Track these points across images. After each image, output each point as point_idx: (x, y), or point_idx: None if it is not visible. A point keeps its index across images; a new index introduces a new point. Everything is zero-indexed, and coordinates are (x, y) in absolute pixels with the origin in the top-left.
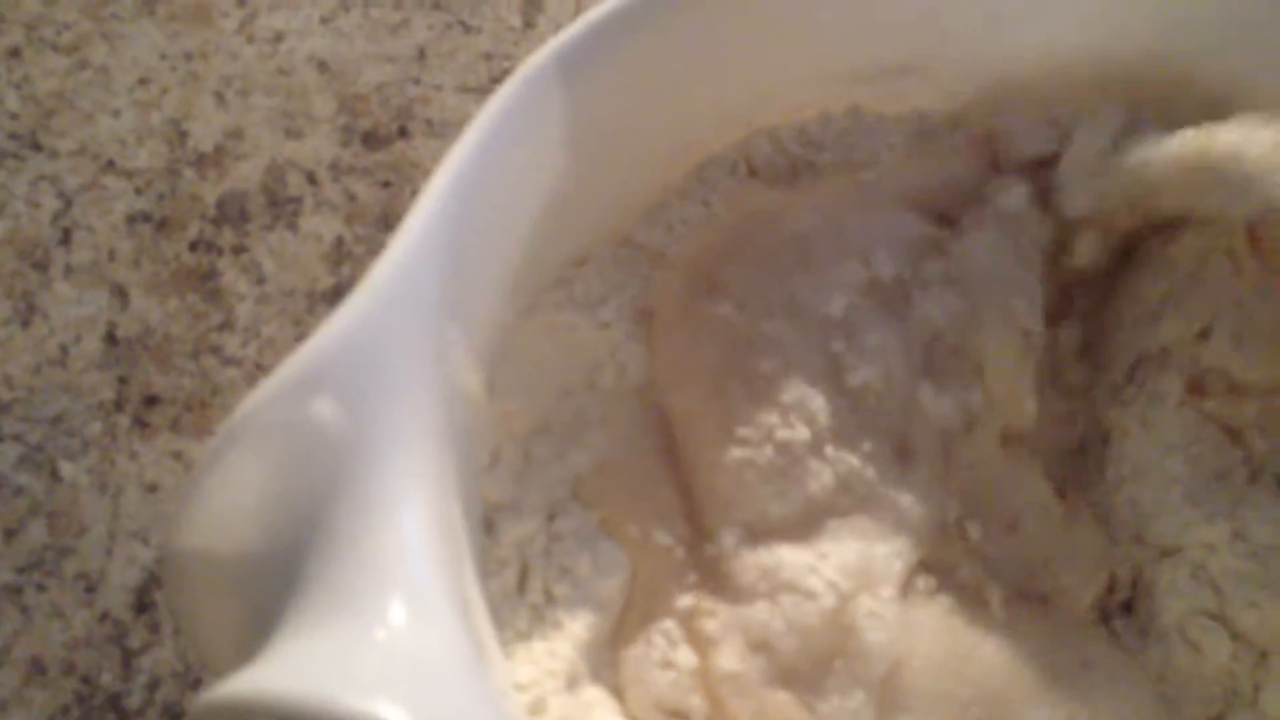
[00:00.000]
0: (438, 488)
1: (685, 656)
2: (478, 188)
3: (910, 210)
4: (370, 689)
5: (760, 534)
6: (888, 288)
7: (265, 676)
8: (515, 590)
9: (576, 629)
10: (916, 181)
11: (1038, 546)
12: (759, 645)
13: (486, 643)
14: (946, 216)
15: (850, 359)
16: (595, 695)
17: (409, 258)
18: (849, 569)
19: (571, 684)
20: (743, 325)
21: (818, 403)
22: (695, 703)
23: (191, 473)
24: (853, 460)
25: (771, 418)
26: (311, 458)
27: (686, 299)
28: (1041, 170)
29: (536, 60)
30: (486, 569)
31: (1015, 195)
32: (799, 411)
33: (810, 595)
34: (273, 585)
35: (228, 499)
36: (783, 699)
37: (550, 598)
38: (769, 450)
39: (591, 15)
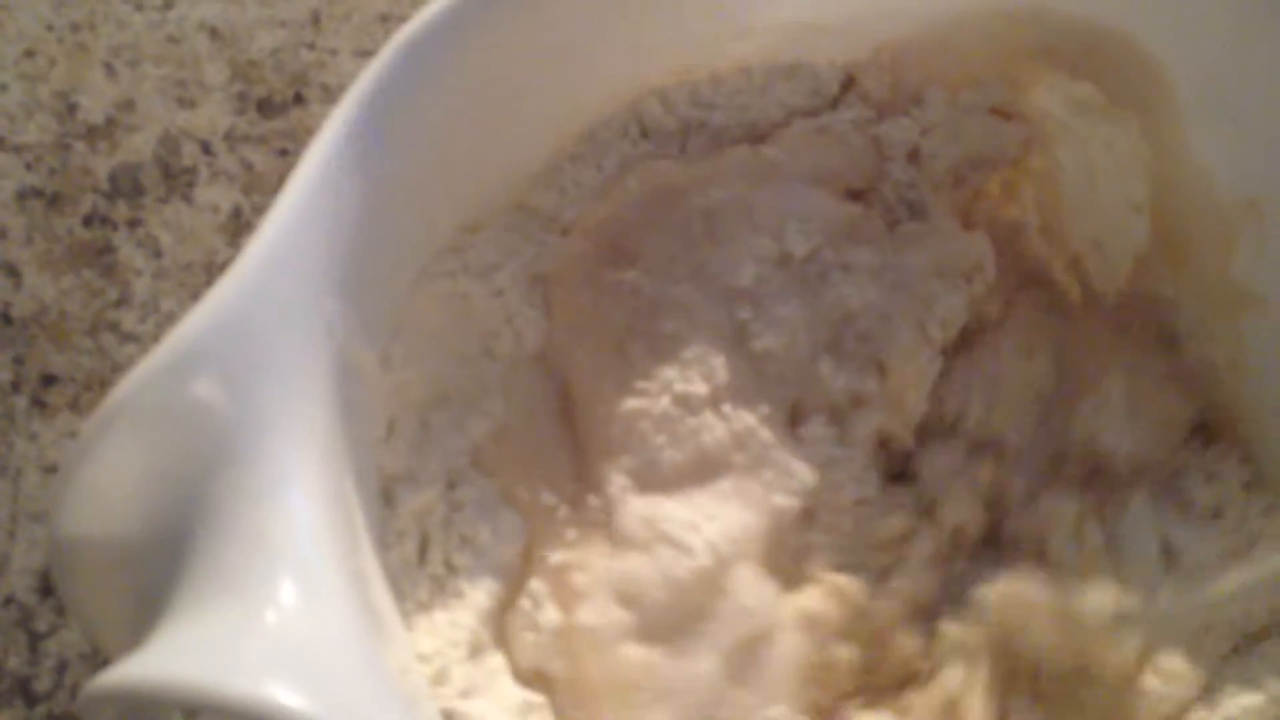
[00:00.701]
0: (328, 463)
1: (549, 616)
2: (359, 156)
3: (821, 188)
4: (260, 672)
5: (648, 482)
6: (801, 263)
7: (150, 663)
8: (415, 561)
9: (478, 597)
10: (822, 161)
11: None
12: (627, 598)
13: (386, 616)
14: (857, 193)
15: (756, 326)
16: (499, 663)
17: (287, 231)
18: (731, 535)
19: (475, 652)
20: (649, 290)
21: (718, 361)
22: (558, 666)
23: (67, 459)
24: (749, 419)
25: (671, 372)
26: (192, 439)
27: (592, 265)
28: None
29: (417, 24)
30: (385, 541)
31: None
32: (699, 368)
33: (688, 551)
34: (158, 570)
35: (106, 485)
36: (635, 656)
37: (451, 567)
38: (665, 401)
39: None
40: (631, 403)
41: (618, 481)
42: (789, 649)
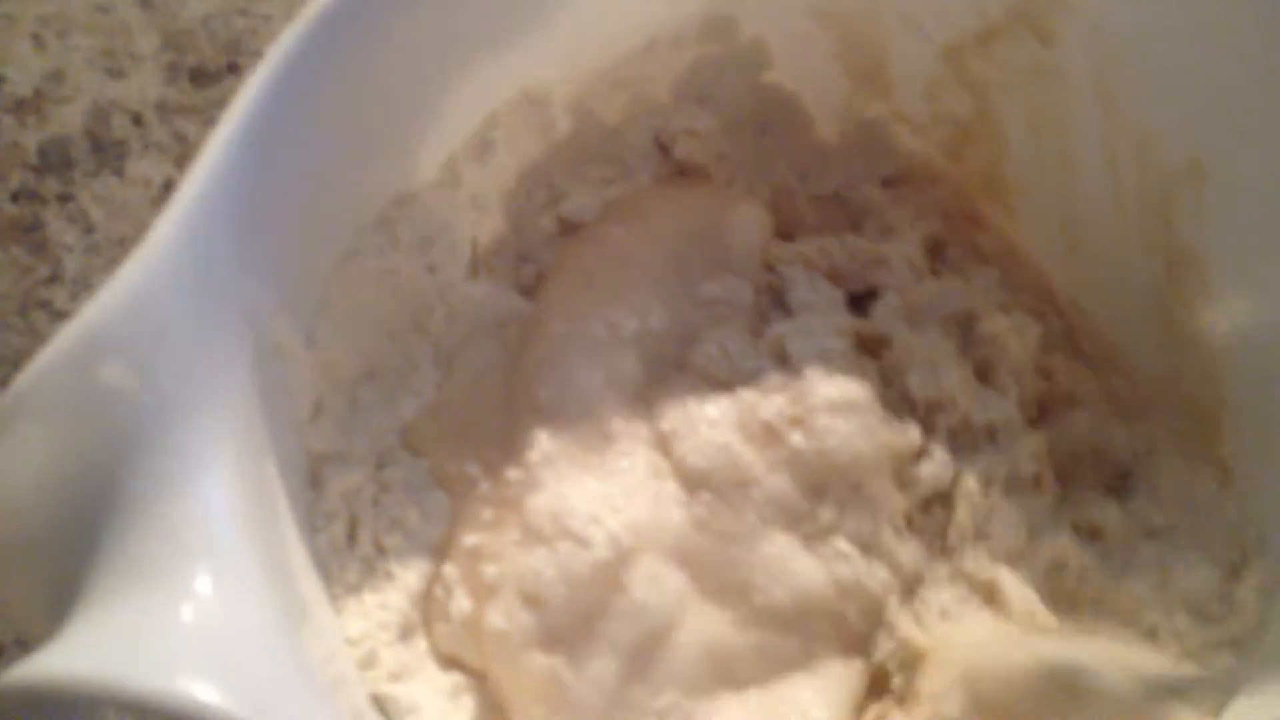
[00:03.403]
0: (247, 446)
1: (460, 605)
2: (272, 132)
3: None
4: (174, 667)
5: (558, 411)
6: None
7: (60, 658)
8: (344, 543)
9: (409, 578)
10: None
11: None
12: (531, 598)
13: (311, 601)
14: None
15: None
16: (428, 645)
17: (198, 209)
18: (637, 526)
19: (405, 634)
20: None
21: (656, 312)
22: (470, 654)
23: None
24: (666, 353)
25: (610, 307)
26: (100, 427)
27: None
28: None
29: None
30: (313, 524)
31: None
32: (638, 311)
33: (586, 544)
34: (70, 561)
35: (11, 478)
36: (540, 664)
37: (380, 549)
38: (596, 327)
39: None
40: (564, 327)
41: (541, 442)
42: (691, 639)
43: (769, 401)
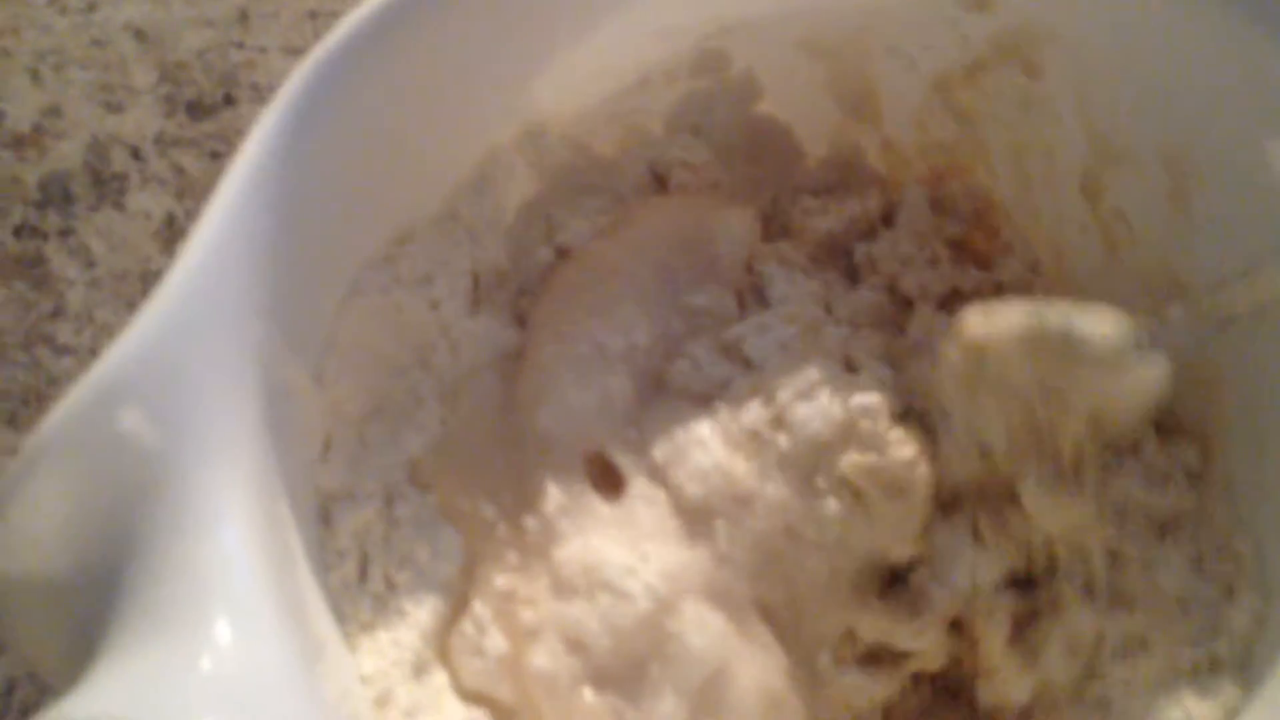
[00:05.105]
0: (261, 488)
1: (494, 643)
2: (280, 177)
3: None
4: (195, 713)
5: (558, 438)
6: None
7: (84, 705)
8: (356, 581)
9: (421, 615)
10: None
11: None
12: (574, 644)
13: (326, 640)
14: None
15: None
16: (442, 681)
17: (209, 258)
18: (670, 572)
19: (418, 671)
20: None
21: (642, 326)
22: (504, 692)
23: None
24: (653, 368)
25: (595, 324)
26: (120, 474)
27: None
28: None
29: (339, 35)
30: (326, 562)
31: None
32: (623, 327)
33: (626, 597)
34: (91, 607)
35: (33, 523)
36: (592, 702)
37: (392, 585)
38: (584, 347)
39: None
40: (554, 349)
41: (552, 491)
42: (748, 680)
43: (746, 410)
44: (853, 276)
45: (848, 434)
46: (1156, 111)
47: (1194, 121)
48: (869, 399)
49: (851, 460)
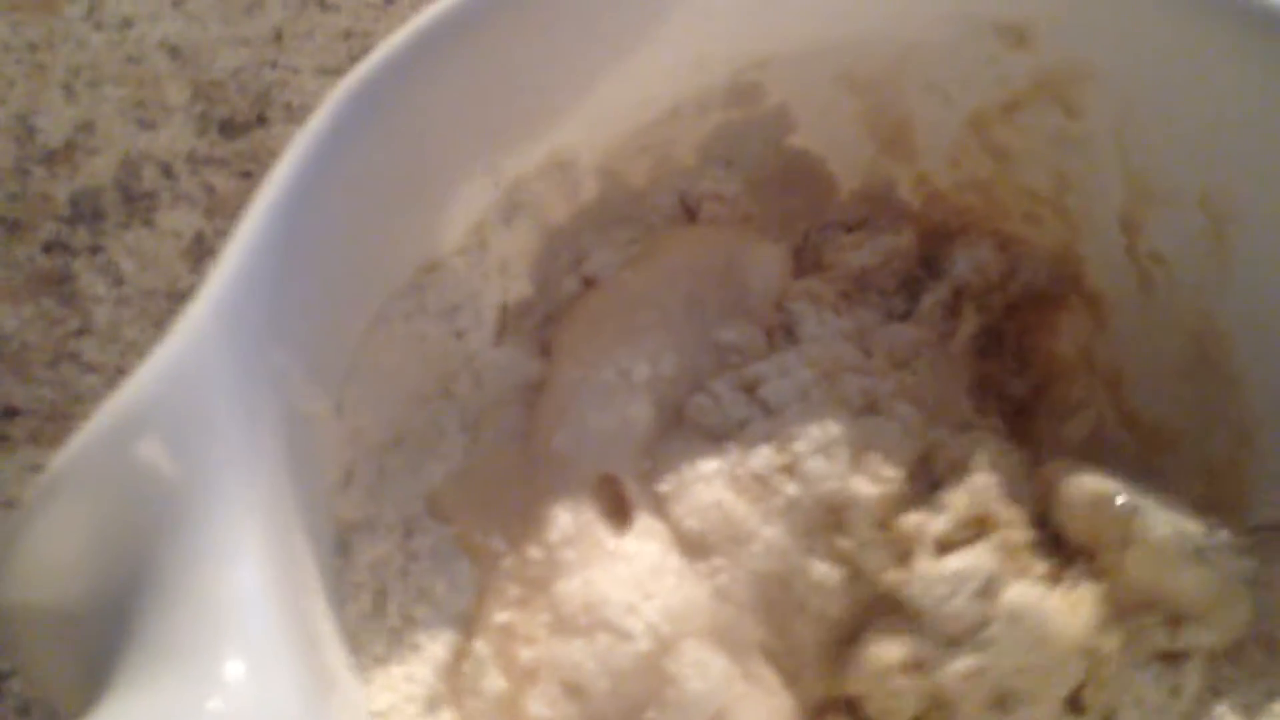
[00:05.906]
0: (278, 519)
1: (493, 683)
2: (307, 204)
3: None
4: None
5: (572, 460)
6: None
7: None
8: (372, 614)
9: (436, 650)
10: None
11: None
12: (572, 688)
13: (339, 675)
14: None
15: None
16: (454, 717)
17: (233, 287)
18: (672, 612)
19: (431, 707)
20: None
21: (669, 357)
22: None
23: (11, 522)
24: (678, 399)
25: (621, 351)
26: (138, 504)
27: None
28: None
29: (369, 64)
30: (341, 594)
31: None
32: (650, 356)
33: (626, 637)
34: (105, 637)
35: (49, 553)
36: None
37: (408, 619)
38: (608, 373)
39: (421, 20)
40: (577, 373)
41: (559, 520)
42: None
43: (757, 454)
44: (893, 311)
45: (845, 510)
46: (1197, 152)
47: (1235, 162)
48: (868, 489)
49: (839, 543)
